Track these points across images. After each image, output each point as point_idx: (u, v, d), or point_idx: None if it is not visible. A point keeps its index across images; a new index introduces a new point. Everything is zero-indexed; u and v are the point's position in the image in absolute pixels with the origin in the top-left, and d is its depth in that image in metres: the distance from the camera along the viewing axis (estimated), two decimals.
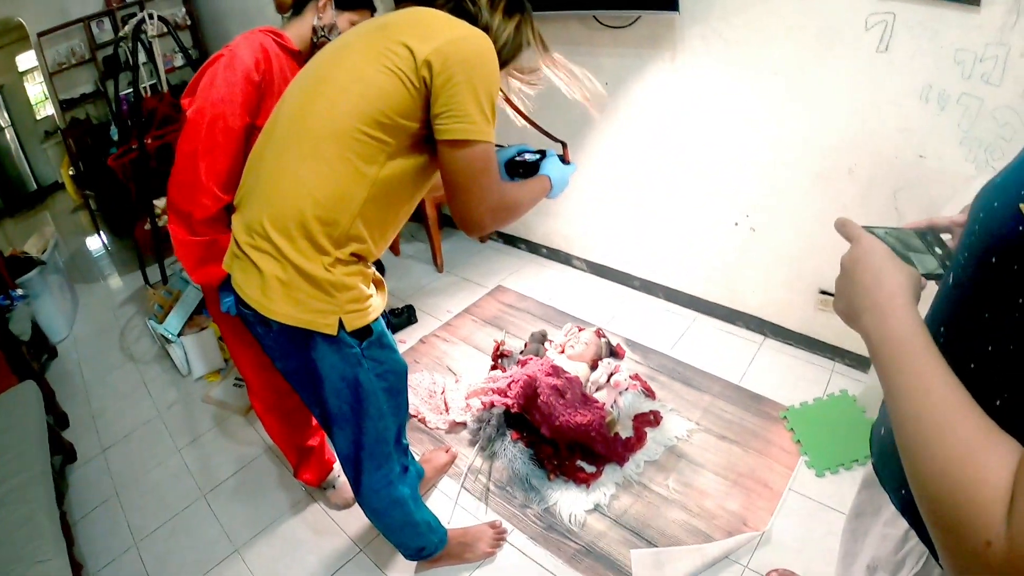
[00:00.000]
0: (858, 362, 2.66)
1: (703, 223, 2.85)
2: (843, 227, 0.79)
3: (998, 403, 0.58)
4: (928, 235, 0.81)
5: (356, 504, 1.94)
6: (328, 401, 1.50)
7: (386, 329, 1.51)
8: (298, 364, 1.46)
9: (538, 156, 1.64)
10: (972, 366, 0.61)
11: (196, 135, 1.65)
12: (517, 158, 1.64)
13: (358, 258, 1.39)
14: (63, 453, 2.64)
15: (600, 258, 3.44)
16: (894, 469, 0.84)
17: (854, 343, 2.63)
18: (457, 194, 1.33)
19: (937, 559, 0.77)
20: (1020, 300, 0.55)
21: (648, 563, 1.98)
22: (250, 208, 1.38)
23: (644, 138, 2.85)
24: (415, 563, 2.04)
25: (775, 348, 2.86)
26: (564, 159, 1.65)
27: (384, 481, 1.69)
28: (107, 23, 4.88)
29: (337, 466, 2.30)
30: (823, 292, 2.60)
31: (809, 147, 2.35)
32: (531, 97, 1.63)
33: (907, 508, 0.84)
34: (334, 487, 2.28)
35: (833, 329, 2.67)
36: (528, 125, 1.66)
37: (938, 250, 0.78)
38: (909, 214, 2.21)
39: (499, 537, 2.09)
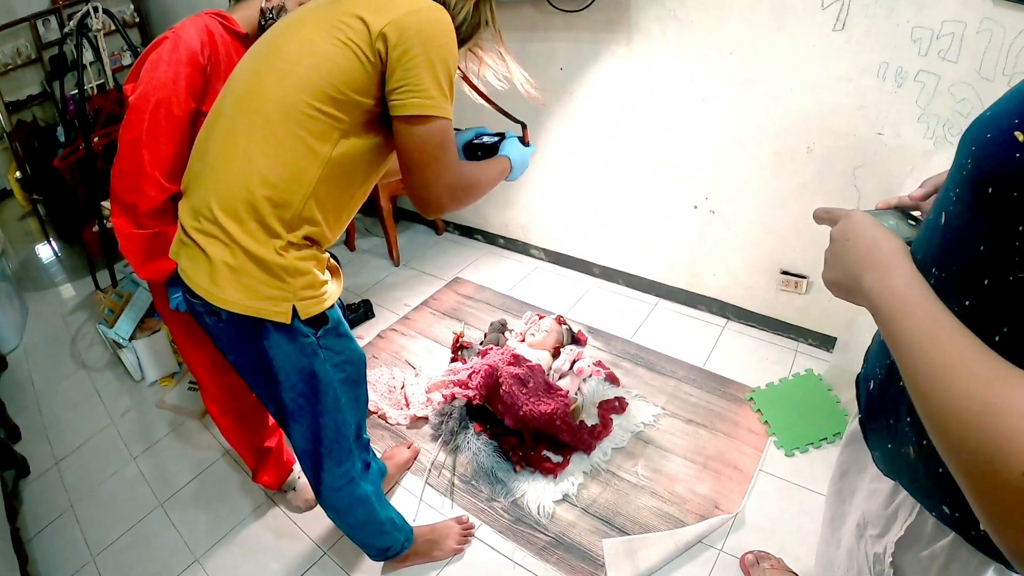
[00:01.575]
0: (822, 342, 2.66)
1: (663, 207, 2.83)
2: (825, 213, 0.84)
3: (997, 339, 0.58)
4: (898, 212, 0.85)
5: (318, 505, 1.88)
6: (283, 395, 1.43)
7: (342, 317, 1.45)
8: (250, 356, 1.40)
9: (497, 138, 1.59)
10: (967, 303, 0.62)
11: (139, 121, 1.56)
12: (475, 140, 1.60)
13: (312, 242, 1.33)
14: (15, 467, 2.53)
15: (559, 247, 3.40)
16: (883, 424, 0.84)
17: (817, 323, 2.64)
18: (414, 172, 1.27)
19: (931, 510, 0.77)
20: (1020, 228, 0.54)
21: (620, 551, 1.95)
22: (197, 191, 1.31)
23: (602, 123, 2.82)
24: (381, 564, 1.98)
25: (738, 331, 2.85)
26: (524, 141, 1.61)
27: (345, 478, 1.62)
28: (53, 21, 4.72)
29: (297, 467, 2.22)
30: (784, 273, 2.59)
31: (766, 127, 2.34)
32: (487, 82, 1.58)
33: (892, 466, 0.84)
34: (294, 489, 2.21)
35: (796, 309, 2.67)
36: (486, 105, 1.61)
37: (911, 223, 0.82)
38: (868, 191, 2.21)
39: (467, 533, 2.04)
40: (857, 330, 2.21)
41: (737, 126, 2.41)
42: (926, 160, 1.96)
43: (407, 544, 1.90)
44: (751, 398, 2.46)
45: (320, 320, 1.36)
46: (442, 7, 1.27)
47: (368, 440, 1.70)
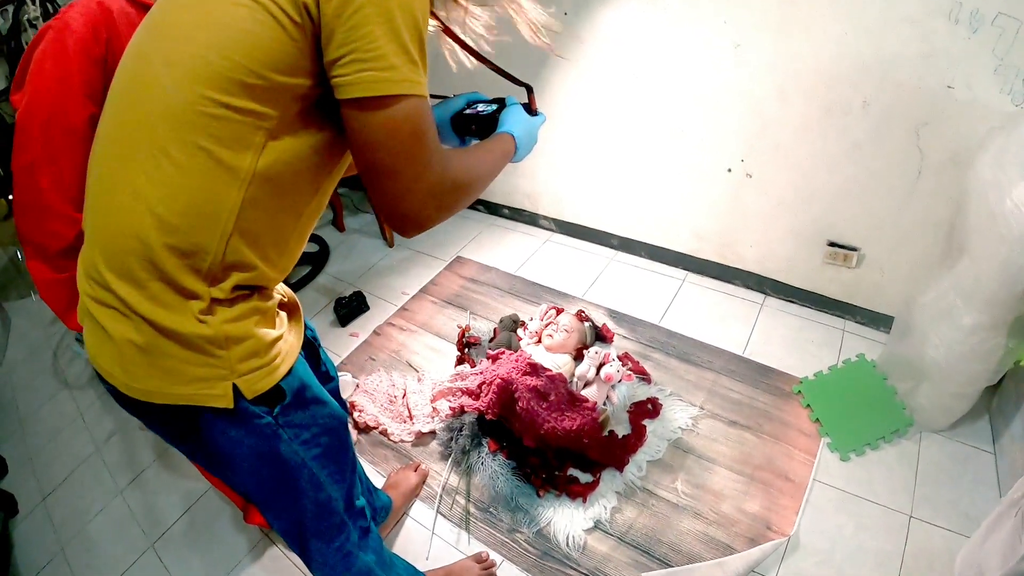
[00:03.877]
0: (871, 320, 2.38)
1: (691, 170, 2.51)
2: None
3: None
4: None
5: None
6: (247, 485, 1.15)
7: (306, 375, 1.13)
8: (195, 447, 1.10)
9: (495, 107, 1.24)
10: None
11: (30, 141, 1.26)
12: (467, 111, 1.25)
13: (249, 291, 0.99)
14: (4, 508, 2.30)
15: (571, 216, 3.08)
16: None
17: (869, 300, 2.35)
18: (380, 179, 0.90)
19: None
20: None
21: None
22: (87, 243, 0.98)
23: (617, 75, 2.47)
24: None
25: (778, 308, 2.57)
26: (530, 108, 1.26)
27: (339, 555, 1.33)
28: None
29: None
30: (832, 244, 2.28)
31: (814, 78, 2.01)
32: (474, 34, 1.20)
33: None
34: None
35: (843, 284, 2.38)
36: (475, 65, 1.23)
37: None
38: (933, 153, 1.91)
39: (487, 572, 1.79)
40: (919, 311, 1.92)
41: (778, 76, 2.08)
42: (1010, 123, 1.64)
43: None
44: (799, 391, 2.19)
45: (275, 395, 1.04)
46: None
47: (363, 506, 1.40)
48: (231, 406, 0.97)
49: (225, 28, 0.84)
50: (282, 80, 0.86)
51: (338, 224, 3.51)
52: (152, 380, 0.94)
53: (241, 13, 0.83)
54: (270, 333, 1.02)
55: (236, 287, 0.96)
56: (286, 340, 1.06)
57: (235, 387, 0.97)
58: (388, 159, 0.88)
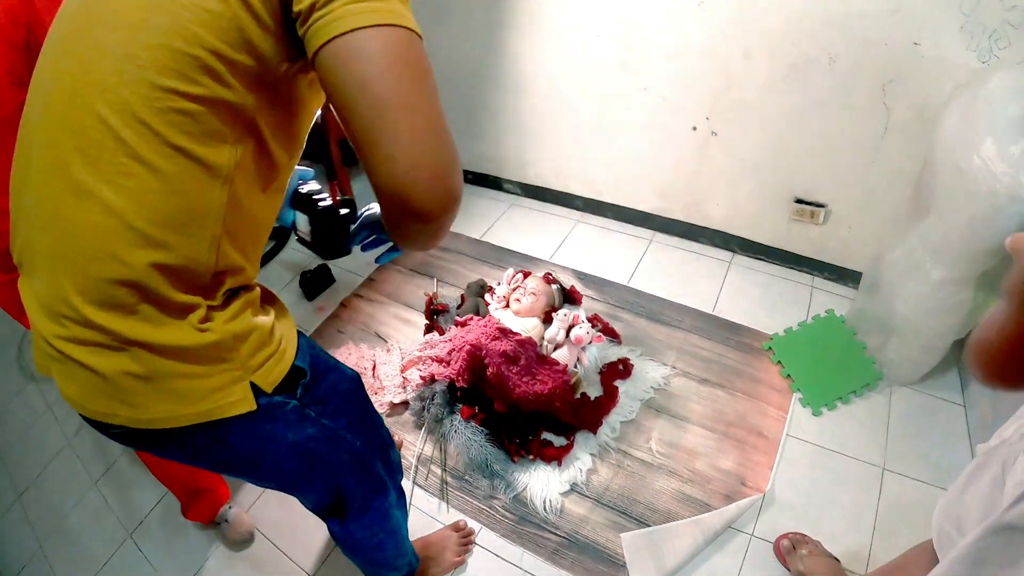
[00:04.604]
0: (839, 276, 2.40)
1: (655, 129, 2.47)
2: None
3: None
4: None
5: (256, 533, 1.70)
6: (283, 478, 1.13)
7: (312, 347, 1.09)
8: (221, 457, 1.03)
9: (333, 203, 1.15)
10: None
11: None
12: (302, 189, 1.16)
13: (238, 290, 0.93)
14: None
15: (534, 178, 3.03)
16: None
17: (837, 256, 2.37)
18: (383, 136, 0.73)
19: None
20: None
21: (642, 546, 1.71)
22: (39, 274, 0.85)
23: (578, 34, 2.41)
24: None
25: (746, 266, 2.57)
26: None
27: (379, 514, 1.34)
28: None
29: (229, 502, 1.93)
30: (799, 201, 2.28)
31: (780, 34, 1.98)
32: None
33: None
34: (227, 520, 1.89)
35: (811, 241, 2.39)
36: None
37: None
38: (900, 110, 1.91)
39: (466, 541, 1.78)
40: (887, 267, 1.93)
41: (743, 33, 2.04)
42: (976, 80, 1.64)
43: (415, 565, 1.63)
44: (769, 347, 2.20)
45: (295, 375, 0.99)
46: None
47: (398, 459, 1.38)
48: (254, 407, 0.92)
49: (185, 9, 0.73)
50: (253, 61, 0.78)
51: None
52: (163, 406, 0.86)
53: None
54: (267, 320, 0.96)
55: (228, 290, 0.90)
56: (280, 321, 1.01)
57: (252, 386, 0.92)
58: (396, 99, 0.73)
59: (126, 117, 0.74)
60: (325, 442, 1.09)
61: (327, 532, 1.40)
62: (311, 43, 0.74)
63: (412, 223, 0.80)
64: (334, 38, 0.72)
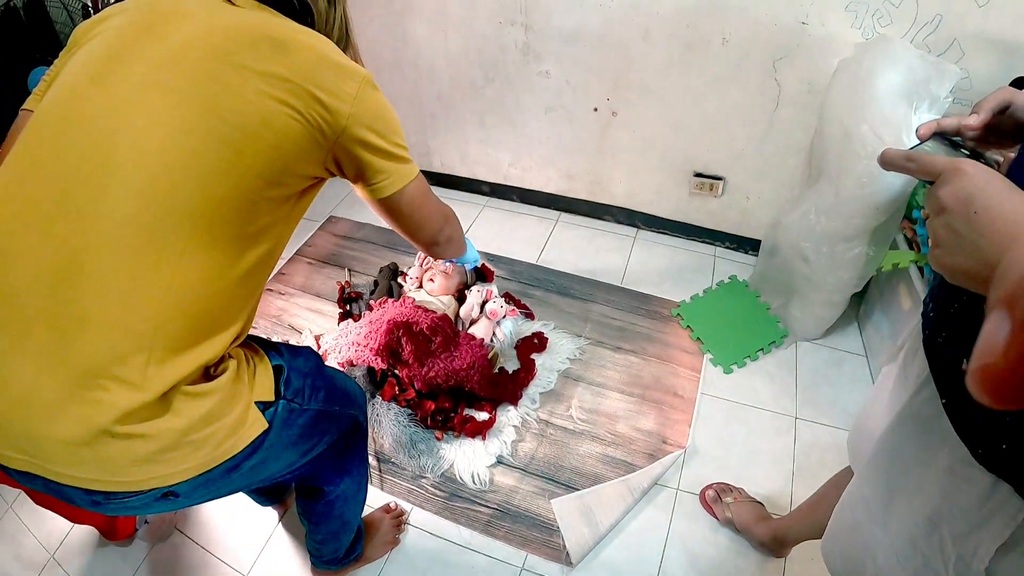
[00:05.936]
0: (739, 244, 2.51)
1: (557, 111, 2.51)
2: (908, 160, 0.60)
3: None
4: (944, 142, 0.68)
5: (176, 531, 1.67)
6: (286, 473, 1.16)
7: (267, 341, 1.14)
8: (230, 487, 1.04)
9: None
10: None
11: None
12: None
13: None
14: None
15: (439, 166, 3.02)
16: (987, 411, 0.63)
17: (735, 225, 2.49)
18: (421, 230, 1.22)
19: None
20: None
21: (573, 511, 1.75)
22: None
23: (479, 19, 2.40)
24: None
25: (651, 240, 2.66)
26: None
27: (360, 461, 1.45)
28: None
29: None
30: (698, 175, 2.38)
31: (674, 16, 2.05)
32: None
33: (990, 457, 0.65)
34: (146, 521, 1.82)
35: (710, 212, 2.49)
36: None
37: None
38: (789, 85, 2.02)
39: (397, 522, 1.76)
40: (784, 231, 2.04)
41: (641, 16, 2.10)
42: (860, 53, 1.76)
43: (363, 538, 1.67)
44: (678, 314, 2.28)
45: (276, 376, 1.06)
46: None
47: (360, 391, 1.41)
48: (267, 425, 0.99)
49: (271, 134, 0.88)
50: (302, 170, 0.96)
51: None
52: (188, 460, 0.89)
53: (284, 120, 0.88)
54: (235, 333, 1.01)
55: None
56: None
57: (258, 406, 0.98)
58: (420, 216, 1.17)
59: (212, 203, 0.88)
60: (316, 425, 1.14)
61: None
62: (376, 194, 1.06)
63: (439, 257, 1.43)
64: (397, 191, 1.07)
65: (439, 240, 1.27)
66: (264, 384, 1.01)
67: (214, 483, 0.96)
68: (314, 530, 1.50)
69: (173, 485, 0.89)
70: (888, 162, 0.61)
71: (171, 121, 0.83)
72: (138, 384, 0.82)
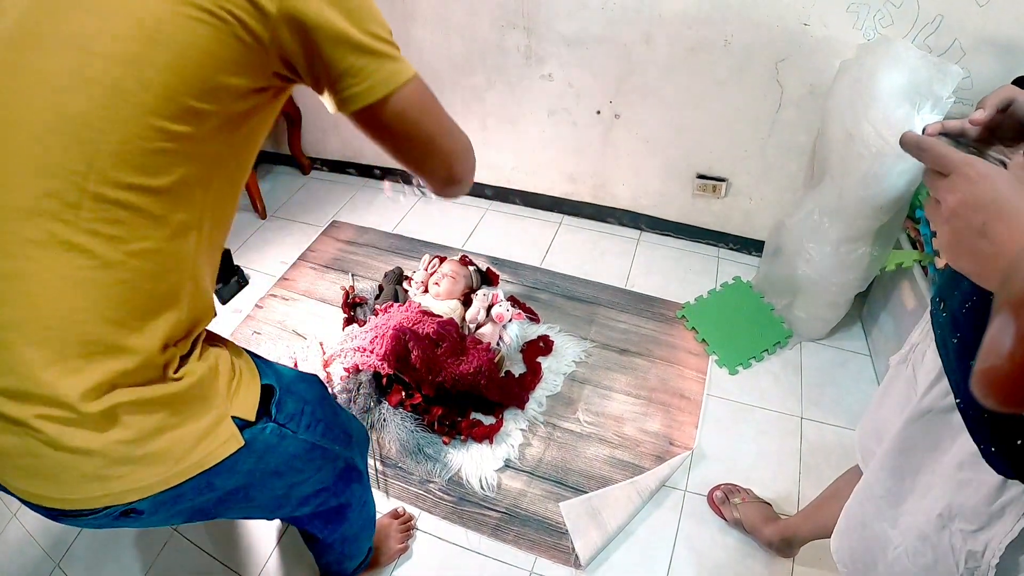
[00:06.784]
0: (743, 245, 2.52)
1: (560, 114, 2.52)
2: (921, 150, 0.59)
3: None
4: (950, 143, 0.68)
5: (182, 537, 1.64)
6: (269, 505, 1.11)
7: (267, 361, 1.05)
8: (204, 506, 0.94)
9: None
10: None
11: None
12: None
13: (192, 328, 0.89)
14: None
15: None
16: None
17: (739, 227, 2.49)
18: (426, 159, 0.93)
19: None
20: None
21: (581, 514, 1.75)
22: None
23: (482, 22, 2.41)
24: None
25: (655, 242, 2.66)
26: None
27: (362, 505, 1.38)
28: None
29: None
30: (701, 176, 2.39)
31: (677, 18, 2.06)
32: None
33: (1004, 454, 0.66)
34: None
35: (714, 214, 2.50)
36: None
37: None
38: (792, 87, 2.04)
39: (406, 527, 1.76)
40: (787, 232, 2.05)
41: (644, 19, 2.11)
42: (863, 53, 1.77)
43: (372, 549, 1.62)
44: (683, 316, 2.29)
45: (266, 396, 0.96)
46: None
47: (364, 434, 1.36)
48: (242, 443, 0.88)
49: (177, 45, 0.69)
50: (231, 81, 0.74)
51: None
52: (150, 470, 0.80)
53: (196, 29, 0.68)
54: (223, 348, 0.94)
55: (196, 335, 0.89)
56: (228, 345, 0.98)
57: (235, 422, 0.88)
58: (420, 142, 0.89)
59: (99, 157, 0.70)
60: (307, 457, 1.07)
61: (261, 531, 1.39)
62: (348, 105, 0.80)
63: (451, 197, 1.03)
64: (379, 100, 0.80)
65: (457, 174, 0.97)
66: (247, 401, 0.91)
67: (185, 502, 0.87)
68: (318, 558, 1.50)
69: (133, 502, 0.80)
70: (904, 143, 0.62)
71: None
72: (64, 395, 0.72)
